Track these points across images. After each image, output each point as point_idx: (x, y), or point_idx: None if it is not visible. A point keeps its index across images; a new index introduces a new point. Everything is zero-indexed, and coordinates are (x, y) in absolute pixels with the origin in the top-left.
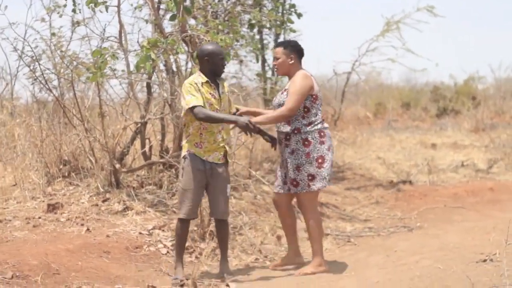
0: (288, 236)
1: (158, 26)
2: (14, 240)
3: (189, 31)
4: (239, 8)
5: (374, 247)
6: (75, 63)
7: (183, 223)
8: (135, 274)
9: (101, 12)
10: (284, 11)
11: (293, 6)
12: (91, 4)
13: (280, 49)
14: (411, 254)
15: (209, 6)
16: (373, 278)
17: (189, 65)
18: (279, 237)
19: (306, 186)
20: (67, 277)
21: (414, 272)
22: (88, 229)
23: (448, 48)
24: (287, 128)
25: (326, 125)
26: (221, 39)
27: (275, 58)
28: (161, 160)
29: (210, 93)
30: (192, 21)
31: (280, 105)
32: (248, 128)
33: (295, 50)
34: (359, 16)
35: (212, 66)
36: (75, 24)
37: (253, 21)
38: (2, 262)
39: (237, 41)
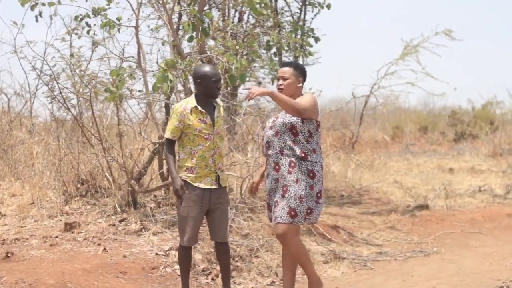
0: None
1: (176, 47)
2: (31, 259)
3: (207, 52)
4: (258, 29)
5: (390, 271)
6: (93, 82)
7: (185, 250)
8: None
9: (116, 34)
10: (304, 34)
11: (311, 30)
12: (106, 27)
13: (289, 70)
14: (427, 279)
15: (228, 28)
16: None
17: None
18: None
19: (303, 219)
20: None
21: None
22: (105, 249)
23: (466, 73)
24: (295, 151)
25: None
26: (236, 61)
27: (282, 78)
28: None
29: (200, 119)
30: (211, 42)
31: (285, 124)
32: (176, 194)
33: (303, 74)
34: (378, 39)
35: (205, 89)
36: (95, 44)
37: (271, 43)
38: (19, 281)
39: (254, 61)
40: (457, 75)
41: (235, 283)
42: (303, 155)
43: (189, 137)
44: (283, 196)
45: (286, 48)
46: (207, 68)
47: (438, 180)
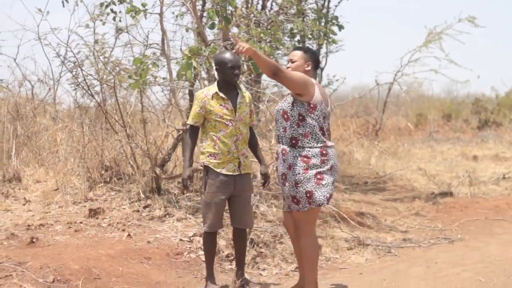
0: (299, 262)
1: (200, 34)
2: (55, 245)
3: (231, 39)
4: (281, 17)
5: (414, 258)
6: (117, 69)
7: (209, 236)
8: (175, 280)
9: (139, 20)
10: (327, 22)
11: (335, 17)
12: (131, 12)
13: (299, 53)
14: (452, 266)
15: (252, 15)
16: None
17: None
18: (319, 247)
19: (307, 203)
20: (107, 282)
21: (455, 284)
22: (129, 235)
23: (489, 60)
24: (285, 136)
25: (330, 143)
26: (260, 48)
27: (291, 61)
28: (201, 167)
29: (221, 105)
30: (235, 29)
31: (278, 111)
32: (182, 182)
33: (313, 59)
34: (402, 26)
35: (223, 75)
36: (119, 30)
37: (295, 30)
38: (44, 266)
39: (278, 49)
40: (481, 63)
41: (259, 268)
42: (294, 141)
43: (211, 123)
44: (283, 184)
45: (309, 35)
46: (225, 55)
47: (462, 167)
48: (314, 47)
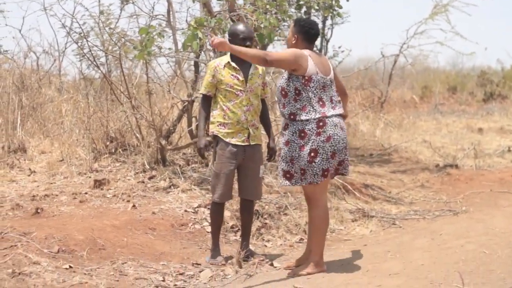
0: (309, 233)
1: (206, 5)
2: (60, 215)
3: (237, 10)
4: None
5: (419, 230)
6: (123, 40)
7: (217, 207)
8: (180, 251)
9: None
10: None
11: None
12: None
13: (291, 26)
14: (456, 238)
15: None
16: (418, 261)
17: None
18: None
19: (299, 179)
20: (112, 253)
21: (459, 255)
22: (134, 206)
23: (495, 32)
24: (284, 113)
25: (332, 112)
26: (265, 19)
27: None
28: (207, 139)
29: (232, 75)
30: (241, 1)
31: (282, 87)
32: (199, 153)
33: (302, 31)
34: None
35: None
36: (124, 1)
37: (301, 2)
38: (49, 236)
39: (284, 20)
40: (487, 35)
41: (263, 240)
42: (292, 116)
43: (221, 93)
44: (279, 158)
45: (316, 7)
46: (238, 26)
47: (467, 140)
48: (320, 18)
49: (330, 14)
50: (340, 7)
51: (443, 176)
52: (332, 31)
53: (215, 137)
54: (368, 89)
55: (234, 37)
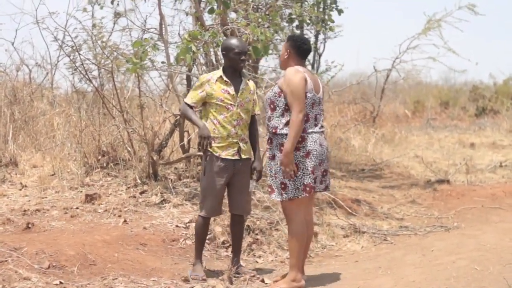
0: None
1: (199, 19)
2: (51, 230)
3: (229, 24)
4: (280, 2)
5: (410, 246)
6: (115, 54)
7: (204, 221)
8: (171, 267)
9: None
10: (326, 7)
11: (334, 1)
12: None
13: (285, 41)
14: (447, 254)
15: (251, 0)
16: (409, 277)
17: None
18: (315, 234)
19: (279, 194)
20: (103, 268)
21: (450, 272)
22: (125, 221)
23: (488, 47)
24: (269, 127)
25: (313, 129)
26: (261, 33)
27: None
28: (199, 153)
29: (223, 89)
30: (233, 15)
31: (266, 100)
32: (201, 141)
33: (294, 46)
34: (401, 13)
35: (228, 61)
36: (117, 15)
37: (293, 16)
38: (39, 251)
39: (277, 33)
40: (479, 50)
41: (254, 255)
42: (274, 130)
43: (212, 107)
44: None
45: (308, 21)
46: (232, 41)
47: (459, 155)
48: (313, 32)
49: (323, 29)
50: (332, 21)
51: (434, 192)
52: (324, 45)
53: (205, 151)
54: (361, 104)
55: (229, 51)
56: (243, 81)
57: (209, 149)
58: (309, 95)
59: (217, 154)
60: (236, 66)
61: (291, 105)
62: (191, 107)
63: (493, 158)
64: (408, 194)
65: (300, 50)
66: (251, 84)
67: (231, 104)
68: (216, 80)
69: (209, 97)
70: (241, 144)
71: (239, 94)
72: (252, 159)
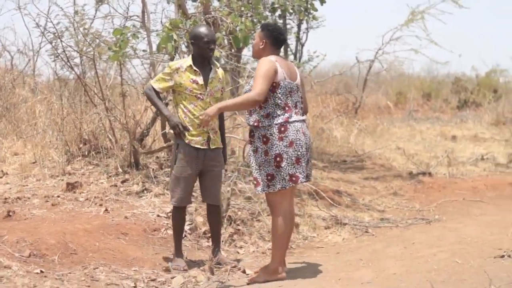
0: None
1: (181, 7)
2: (32, 218)
3: (212, 13)
4: None
5: (391, 238)
6: (97, 41)
7: (177, 211)
8: (152, 256)
9: None
10: None
11: None
12: None
13: (258, 31)
14: (428, 247)
15: None
16: (390, 269)
17: None
18: (297, 225)
19: (266, 186)
20: (84, 258)
21: (431, 264)
22: (106, 210)
23: (470, 40)
24: (249, 120)
25: (295, 118)
26: (241, 23)
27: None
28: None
29: (192, 79)
30: (216, 3)
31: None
32: (175, 130)
33: (271, 36)
34: (384, 3)
35: (197, 49)
36: (99, 2)
37: (276, 5)
38: (20, 240)
39: (259, 23)
40: (462, 42)
41: (236, 246)
42: (256, 124)
43: (182, 96)
44: (251, 166)
45: (290, 10)
46: (200, 29)
47: (441, 147)
48: (295, 22)
49: (306, 18)
50: (316, 10)
51: (416, 184)
52: (307, 35)
53: (179, 137)
54: (343, 95)
55: (198, 40)
56: (213, 69)
57: (185, 134)
58: (282, 83)
59: (187, 142)
60: (205, 54)
61: (254, 83)
62: (156, 92)
63: (474, 151)
64: (390, 186)
65: (276, 40)
66: (220, 72)
67: (200, 93)
68: (186, 69)
69: (177, 86)
70: (210, 134)
71: (208, 82)
72: (221, 148)
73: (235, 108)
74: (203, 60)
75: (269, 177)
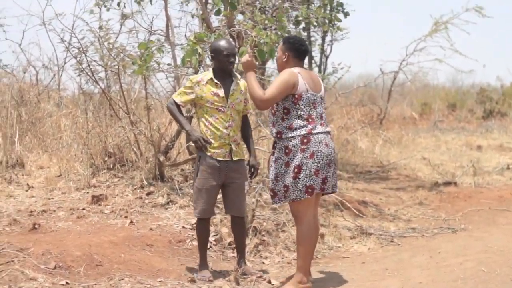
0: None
1: (205, 21)
2: (58, 231)
3: (236, 26)
4: (287, 4)
5: (417, 247)
6: (122, 55)
7: (201, 222)
8: (177, 267)
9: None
10: (332, 9)
11: (340, 4)
12: None
13: (280, 44)
14: (454, 256)
15: (258, 2)
16: (416, 278)
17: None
18: (322, 235)
19: (283, 197)
20: (109, 269)
21: (457, 274)
22: (131, 222)
23: (494, 49)
24: (272, 132)
25: (319, 129)
26: (266, 35)
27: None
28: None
29: (213, 92)
30: (240, 16)
31: (271, 105)
32: (196, 145)
33: (293, 48)
34: (408, 15)
35: (217, 63)
36: (123, 17)
37: (300, 18)
38: (46, 252)
39: (283, 36)
40: (486, 52)
41: (261, 257)
42: (278, 135)
43: (203, 109)
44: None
45: (314, 23)
46: (220, 42)
47: (466, 157)
48: (320, 34)
49: (330, 28)
50: (339, 20)
51: (441, 194)
52: (331, 47)
53: (201, 151)
54: (368, 106)
55: (218, 53)
56: (234, 81)
57: (207, 148)
58: (304, 95)
59: (209, 154)
60: (225, 68)
61: (268, 89)
62: (178, 106)
63: (500, 160)
64: (415, 196)
65: (298, 52)
66: (241, 83)
67: (222, 106)
68: (207, 82)
69: (198, 99)
70: (233, 146)
71: (229, 95)
72: (246, 161)
73: (249, 86)
74: (223, 73)
75: (285, 188)
